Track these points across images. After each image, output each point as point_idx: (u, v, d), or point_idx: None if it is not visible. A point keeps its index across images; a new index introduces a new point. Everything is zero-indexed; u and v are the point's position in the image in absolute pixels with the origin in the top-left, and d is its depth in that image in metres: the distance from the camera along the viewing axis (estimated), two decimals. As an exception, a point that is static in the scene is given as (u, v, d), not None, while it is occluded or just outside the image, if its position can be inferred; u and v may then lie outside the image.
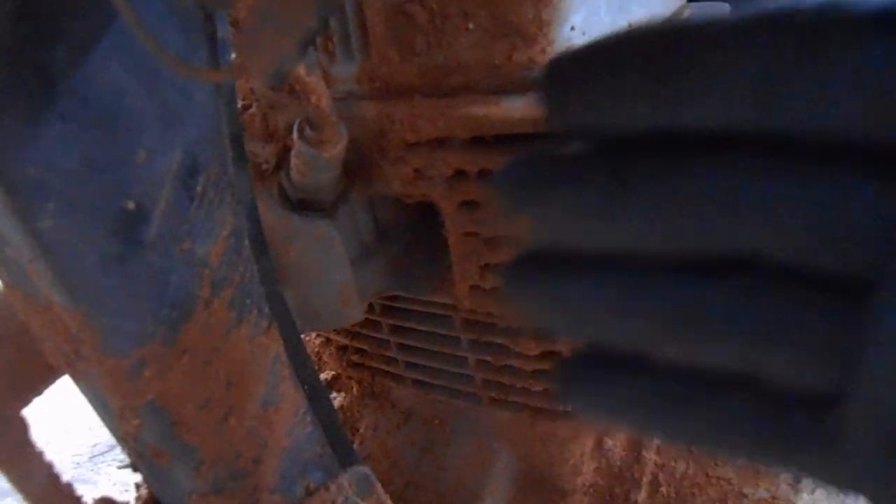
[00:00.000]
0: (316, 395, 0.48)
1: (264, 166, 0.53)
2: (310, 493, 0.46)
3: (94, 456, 2.15)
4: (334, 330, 0.70)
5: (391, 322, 0.64)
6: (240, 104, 0.56)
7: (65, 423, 2.11)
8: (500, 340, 0.58)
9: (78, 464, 2.10)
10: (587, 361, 0.20)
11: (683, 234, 0.17)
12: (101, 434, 2.20)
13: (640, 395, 0.19)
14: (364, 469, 0.49)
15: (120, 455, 2.11)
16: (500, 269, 0.50)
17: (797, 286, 0.16)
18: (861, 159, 0.15)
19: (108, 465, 2.11)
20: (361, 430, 0.75)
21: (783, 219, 0.16)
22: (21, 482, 0.32)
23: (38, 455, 0.32)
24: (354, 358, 0.72)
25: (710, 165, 0.16)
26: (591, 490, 0.65)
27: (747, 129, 0.16)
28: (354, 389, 0.76)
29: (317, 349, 0.77)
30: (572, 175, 0.18)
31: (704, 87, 0.16)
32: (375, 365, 0.71)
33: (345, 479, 0.48)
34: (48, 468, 0.33)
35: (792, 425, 0.17)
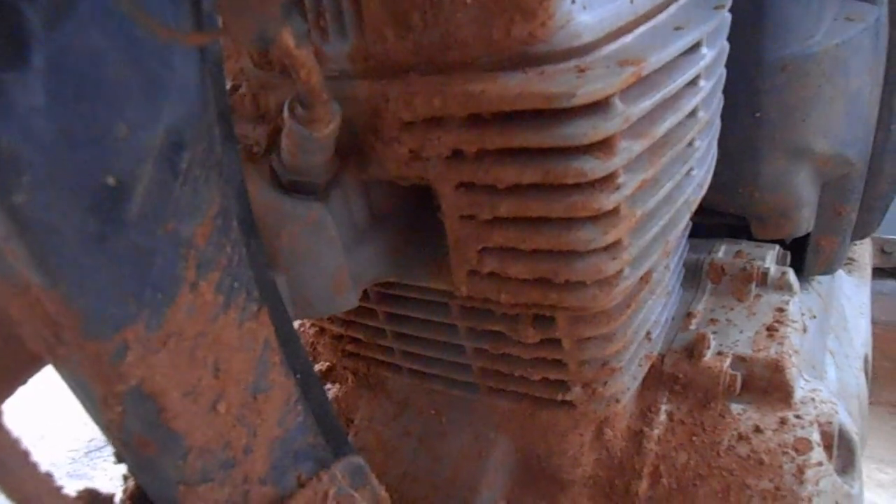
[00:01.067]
0: (308, 383, 0.47)
1: (255, 148, 0.52)
2: (301, 485, 0.45)
3: (89, 451, 2.14)
4: (329, 319, 0.69)
5: (386, 310, 0.63)
6: (230, 84, 0.54)
7: (60, 417, 2.10)
8: (498, 328, 0.57)
9: (73, 458, 2.10)
10: None
11: None
12: (96, 429, 2.19)
13: None
14: (357, 459, 0.48)
15: (115, 449, 2.11)
16: (499, 252, 0.49)
17: None
18: None
19: (105, 460, 2.10)
20: (357, 421, 0.73)
21: None
22: (-3, 472, 0.31)
23: (14, 443, 0.31)
24: (349, 348, 0.71)
25: None
26: (591, 482, 0.64)
27: None
28: (349, 380, 0.75)
29: (311, 339, 0.76)
30: None
31: None
32: (371, 354, 0.70)
33: (338, 469, 0.46)
34: (24, 456, 0.31)
35: None
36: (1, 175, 0.29)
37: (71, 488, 0.40)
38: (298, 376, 0.46)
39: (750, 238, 0.87)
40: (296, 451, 0.45)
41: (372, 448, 0.71)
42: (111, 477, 2.04)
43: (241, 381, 0.41)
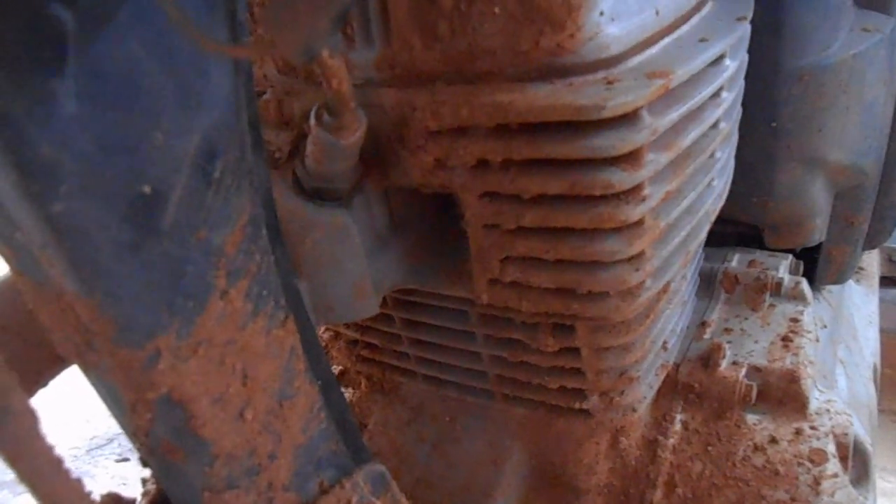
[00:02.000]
0: (329, 390, 0.47)
1: (277, 154, 0.52)
2: (324, 492, 0.45)
3: (91, 449, 2.14)
4: (344, 324, 0.69)
5: (404, 316, 0.63)
6: (253, 90, 0.54)
7: (62, 415, 2.09)
8: (516, 336, 0.57)
9: (76, 456, 2.09)
10: None
11: None
12: (98, 427, 2.19)
13: None
14: (379, 467, 0.48)
15: (118, 448, 2.10)
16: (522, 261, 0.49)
17: None
18: None
19: (106, 458, 2.10)
20: (370, 426, 0.73)
21: None
22: (29, 477, 0.31)
23: (48, 450, 0.31)
24: (364, 353, 0.71)
25: None
26: (606, 490, 0.64)
27: None
28: (363, 384, 0.75)
29: (325, 343, 0.76)
30: None
31: None
32: (386, 360, 0.70)
33: (360, 476, 0.46)
34: (58, 463, 0.31)
35: None
36: (40, 184, 0.29)
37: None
38: (320, 383, 0.46)
39: (761, 247, 0.87)
40: (318, 458, 0.45)
41: (386, 453, 0.71)
42: (112, 475, 2.04)
43: (268, 389, 0.41)
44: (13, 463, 0.30)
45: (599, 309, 0.49)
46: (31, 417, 0.30)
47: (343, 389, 0.77)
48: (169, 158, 0.33)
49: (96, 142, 0.30)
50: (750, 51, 0.61)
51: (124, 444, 2.04)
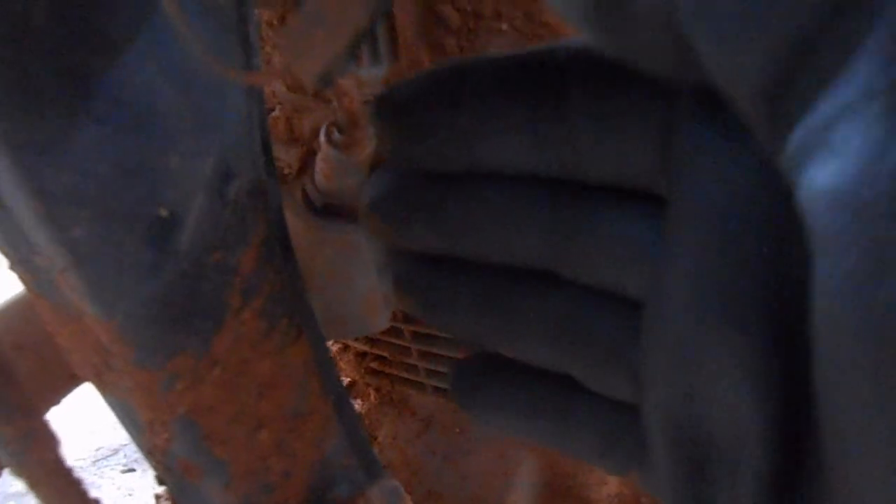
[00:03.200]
0: (342, 404, 0.47)
1: (287, 171, 0.52)
2: (339, 507, 0.45)
3: (97, 460, 2.14)
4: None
5: (413, 329, 0.63)
6: (262, 107, 0.55)
7: (67, 426, 2.09)
8: (526, 348, 0.57)
9: (81, 468, 2.09)
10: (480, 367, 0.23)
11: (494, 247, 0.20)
12: (104, 438, 2.19)
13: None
14: (393, 482, 0.48)
15: (123, 459, 2.10)
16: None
17: (591, 300, 0.19)
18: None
19: (112, 469, 2.10)
20: (380, 439, 0.73)
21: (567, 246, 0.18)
22: (51, 502, 0.31)
23: (69, 473, 0.31)
24: (373, 365, 0.71)
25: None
26: (617, 500, 0.64)
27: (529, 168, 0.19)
28: (372, 396, 0.75)
29: (334, 355, 0.76)
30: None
31: (482, 134, 0.20)
32: (395, 372, 0.70)
33: (374, 492, 0.46)
34: (78, 487, 0.32)
35: (613, 430, 0.19)
36: (62, 209, 0.30)
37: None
38: (333, 398, 0.46)
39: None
40: (332, 474, 0.45)
41: (397, 466, 0.71)
42: (119, 486, 2.04)
43: (283, 406, 0.41)
44: (35, 487, 0.30)
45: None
46: (54, 441, 0.31)
47: (352, 401, 0.77)
48: (186, 181, 0.33)
49: (116, 167, 0.31)
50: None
51: (130, 455, 2.04)
